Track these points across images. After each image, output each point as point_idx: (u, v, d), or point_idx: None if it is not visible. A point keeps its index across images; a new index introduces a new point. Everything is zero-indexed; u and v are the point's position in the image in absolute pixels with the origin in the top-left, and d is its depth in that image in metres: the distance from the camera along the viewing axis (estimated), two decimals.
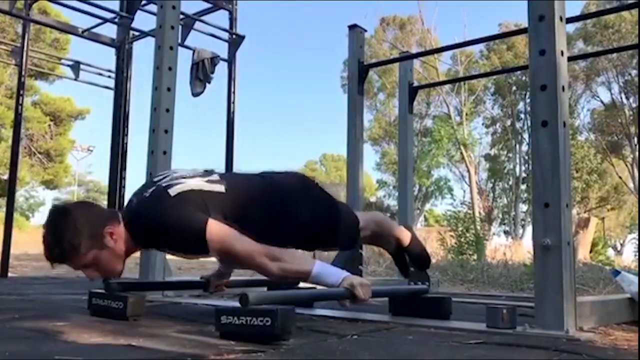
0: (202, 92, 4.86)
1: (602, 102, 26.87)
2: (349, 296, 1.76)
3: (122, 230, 1.86)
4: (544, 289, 1.68)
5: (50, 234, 1.81)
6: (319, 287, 1.81)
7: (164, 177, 1.92)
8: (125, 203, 2.01)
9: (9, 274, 4.62)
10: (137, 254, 2.40)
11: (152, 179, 2.01)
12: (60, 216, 1.84)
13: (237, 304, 1.48)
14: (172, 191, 1.81)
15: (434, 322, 1.87)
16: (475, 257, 8.57)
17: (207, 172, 1.97)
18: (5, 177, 18.07)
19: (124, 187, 5.05)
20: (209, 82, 4.92)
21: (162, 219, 1.77)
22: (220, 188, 1.87)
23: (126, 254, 1.91)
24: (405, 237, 2.37)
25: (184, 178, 1.88)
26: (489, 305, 1.77)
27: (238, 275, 2.84)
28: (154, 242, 1.93)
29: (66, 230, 1.78)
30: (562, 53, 1.78)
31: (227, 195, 1.87)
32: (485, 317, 1.73)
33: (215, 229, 1.75)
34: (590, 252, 12.35)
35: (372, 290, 1.79)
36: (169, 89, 2.82)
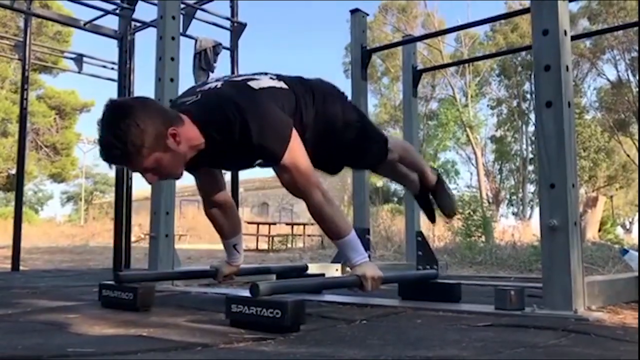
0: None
1: (608, 79, 26.64)
2: (358, 285, 1.78)
3: (187, 130, 1.75)
4: (551, 270, 1.68)
5: (111, 134, 1.65)
6: (328, 273, 1.82)
7: (224, 78, 1.93)
8: (171, 104, 1.97)
9: (21, 268, 4.66)
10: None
11: (199, 84, 1.97)
12: (121, 114, 1.67)
13: (247, 292, 1.49)
14: (254, 85, 1.83)
15: (443, 305, 1.87)
16: (483, 239, 8.56)
17: (261, 73, 1.98)
18: (13, 171, 18.19)
19: (130, 178, 5.06)
20: (212, 72, 4.91)
21: (252, 108, 1.73)
22: (284, 85, 1.91)
23: (189, 154, 1.80)
24: (432, 176, 2.34)
25: (251, 76, 1.90)
26: (497, 287, 1.78)
27: (247, 263, 2.85)
28: (231, 134, 1.74)
29: (128, 129, 1.63)
30: (565, 32, 1.76)
31: (290, 91, 1.90)
32: (493, 299, 1.74)
33: (297, 142, 1.77)
34: (599, 230, 12.31)
35: (381, 277, 1.81)
36: (172, 80, 2.82)
